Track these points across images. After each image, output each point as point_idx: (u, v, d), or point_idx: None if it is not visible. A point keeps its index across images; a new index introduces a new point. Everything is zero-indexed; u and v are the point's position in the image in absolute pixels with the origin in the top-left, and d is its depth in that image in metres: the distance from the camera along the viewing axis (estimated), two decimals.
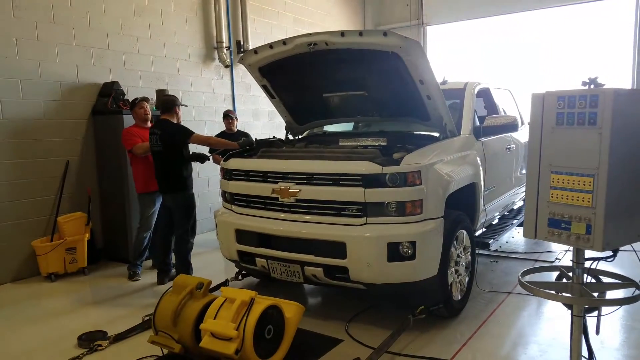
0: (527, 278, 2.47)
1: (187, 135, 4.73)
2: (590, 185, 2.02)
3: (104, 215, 6.04)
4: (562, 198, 2.12)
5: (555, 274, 2.64)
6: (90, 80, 5.89)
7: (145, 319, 3.86)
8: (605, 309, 2.48)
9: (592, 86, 2.11)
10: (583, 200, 2.05)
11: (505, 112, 5.42)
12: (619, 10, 8.63)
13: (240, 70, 7.84)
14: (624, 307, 3.67)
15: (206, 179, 7.22)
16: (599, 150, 1.99)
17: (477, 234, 4.47)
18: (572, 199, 2.09)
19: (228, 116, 6.55)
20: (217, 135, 6.28)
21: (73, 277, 5.35)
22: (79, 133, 5.84)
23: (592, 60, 8.95)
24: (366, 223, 3.45)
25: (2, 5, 5.10)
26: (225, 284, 4.39)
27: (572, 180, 2.09)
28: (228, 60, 7.70)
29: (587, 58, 9.00)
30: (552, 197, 2.17)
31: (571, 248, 5.86)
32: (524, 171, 5.77)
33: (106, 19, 6.05)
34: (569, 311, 2.42)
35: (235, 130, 6.54)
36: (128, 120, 5.52)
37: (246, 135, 6.31)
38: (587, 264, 2.37)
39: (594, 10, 8.94)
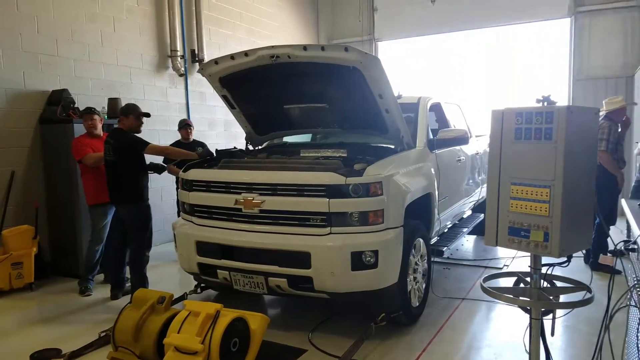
0: (486, 284, 2.60)
1: (142, 146, 4.55)
2: (547, 195, 2.17)
3: (52, 228, 5.75)
4: (522, 208, 2.27)
5: (512, 280, 2.79)
6: (37, 87, 5.63)
7: (102, 334, 3.72)
8: (559, 312, 2.64)
9: (545, 103, 2.29)
10: (541, 210, 2.20)
11: (455, 126, 5.68)
12: (556, 30, 9.32)
13: (195, 79, 7.73)
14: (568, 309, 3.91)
15: (159, 190, 7.03)
16: (554, 162, 2.15)
17: (431, 242, 4.63)
18: (531, 209, 2.23)
19: (187, 126, 6.43)
20: (172, 145, 6.14)
21: (19, 293, 5.07)
22: (25, 142, 5.56)
23: (532, 77, 9.58)
24: (330, 233, 3.50)
25: None
26: (184, 297, 4.30)
27: (530, 191, 2.23)
28: (182, 69, 7.57)
29: (528, 74, 9.63)
30: (512, 206, 2.31)
31: (517, 255, 6.11)
32: (471, 181, 6.05)
33: (55, 24, 5.81)
34: (524, 315, 2.57)
35: (191, 139, 6.42)
36: (78, 129, 5.30)
37: (202, 144, 6.21)
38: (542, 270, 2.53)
39: (533, 30, 9.61)
